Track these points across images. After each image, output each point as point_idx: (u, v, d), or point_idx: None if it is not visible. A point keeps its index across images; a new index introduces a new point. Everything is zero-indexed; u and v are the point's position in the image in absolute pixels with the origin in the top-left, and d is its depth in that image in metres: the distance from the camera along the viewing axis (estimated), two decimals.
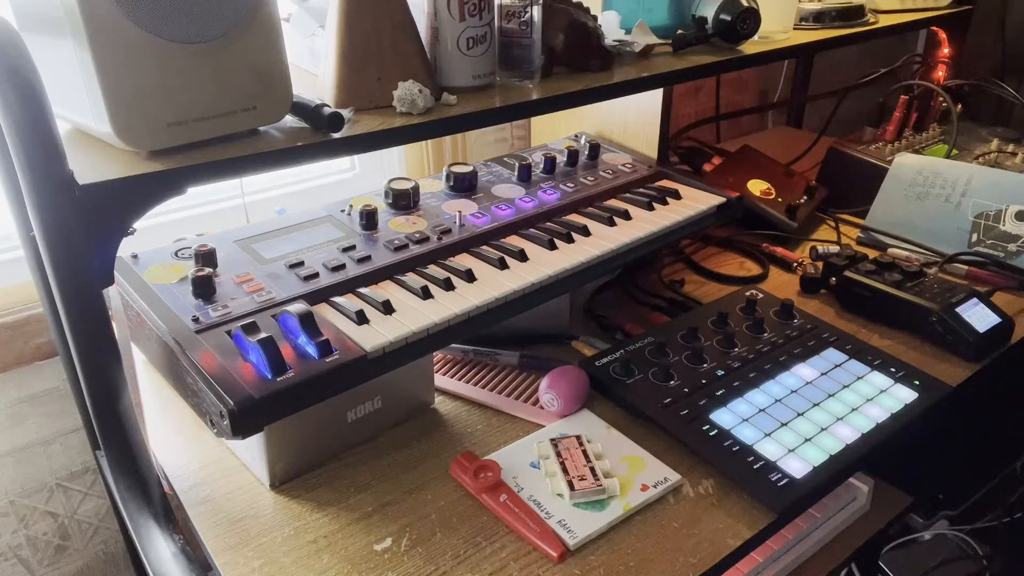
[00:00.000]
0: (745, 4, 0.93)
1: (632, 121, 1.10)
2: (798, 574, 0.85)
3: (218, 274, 0.73)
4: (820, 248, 1.09)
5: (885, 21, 1.23)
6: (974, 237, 1.09)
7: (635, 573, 0.60)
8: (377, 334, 0.67)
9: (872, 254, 1.10)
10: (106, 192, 0.53)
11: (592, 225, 0.89)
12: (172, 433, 0.76)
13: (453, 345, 0.87)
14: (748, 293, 0.94)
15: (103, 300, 0.55)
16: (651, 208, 0.94)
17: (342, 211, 0.86)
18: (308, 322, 0.64)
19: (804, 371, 0.76)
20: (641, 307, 1.00)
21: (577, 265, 0.81)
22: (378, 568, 0.60)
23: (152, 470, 0.63)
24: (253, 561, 0.61)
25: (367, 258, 0.77)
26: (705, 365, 0.77)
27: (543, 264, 0.80)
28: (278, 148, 0.61)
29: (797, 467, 0.65)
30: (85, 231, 0.52)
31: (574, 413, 0.77)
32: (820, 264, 1.03)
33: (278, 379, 0.60)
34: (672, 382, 0.76)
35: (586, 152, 1.06)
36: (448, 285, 0.75)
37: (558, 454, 0.70)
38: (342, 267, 0.75)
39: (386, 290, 0.74)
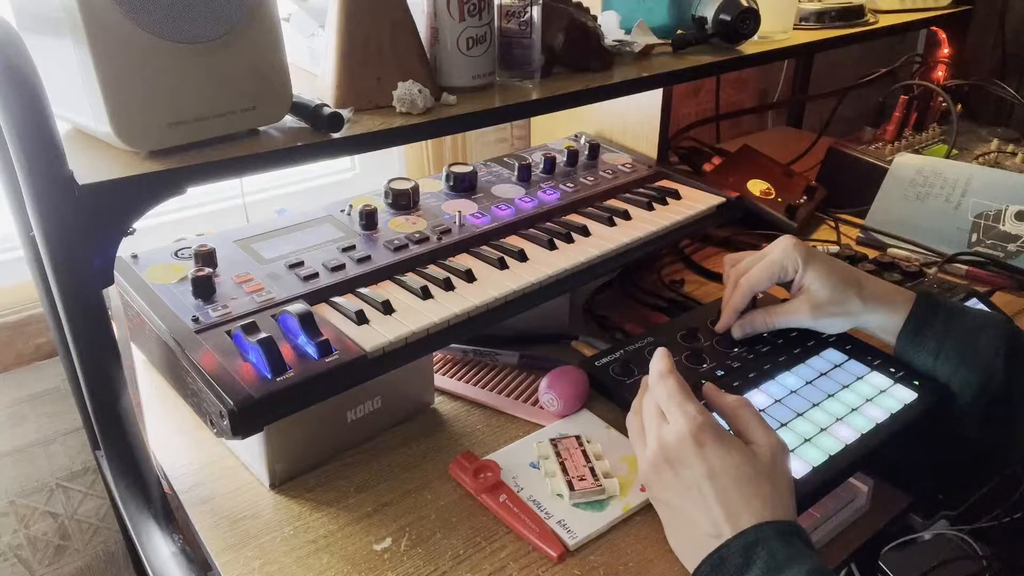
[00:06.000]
0: (745, 4, 0.93)
1: (632, 121, 1.10)
2: None
3: (218, 274, 0.73)
4: (820, 248, 1.09)
5: (885, 21, 1.23)
6: (974, 237, 1.09)
7: (635, 573, 0.61)
8: (377, 334, 0.67)
9: (872, 254, 1.10)
10: (106, 192, 0.53)
11: (592, 225, 0.89)
12: (172, 433, 0.76)
13: (453, 345, 0.87)
14: None
15: (103, 300, 0.55)
16: (651, 208, 0.94)
17: (342, 211, 0.86)
18: (308, 322, 0.64)
19: (803, 371, 0.76)
20: (641, 307, 1.00)
21: (577, 265, 0.81)
22: (378, 568, 0.60)
23: (152, 470, 0.63)
24: (253, 561, 0.61)
25: (367, 258, 0.77)
26: (704, 365, 0.77)
27: (543, 264, 0.80)
28: (278, 148, 0.61)
29: (796, 467, 0.65)
30: (85, 231, 0.52)
31: (574, 413, 0.77)
32: None
33: (278, 379, 0.60)
34: None
35: (586, 152, 1.06)
36: (448, 285, 0.75)
37: (558, 454, 0.70)
38: (342, 267, 0.75)
39: (386, 290, 0.74)
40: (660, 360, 0.62)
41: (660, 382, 0.61)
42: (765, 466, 0.56)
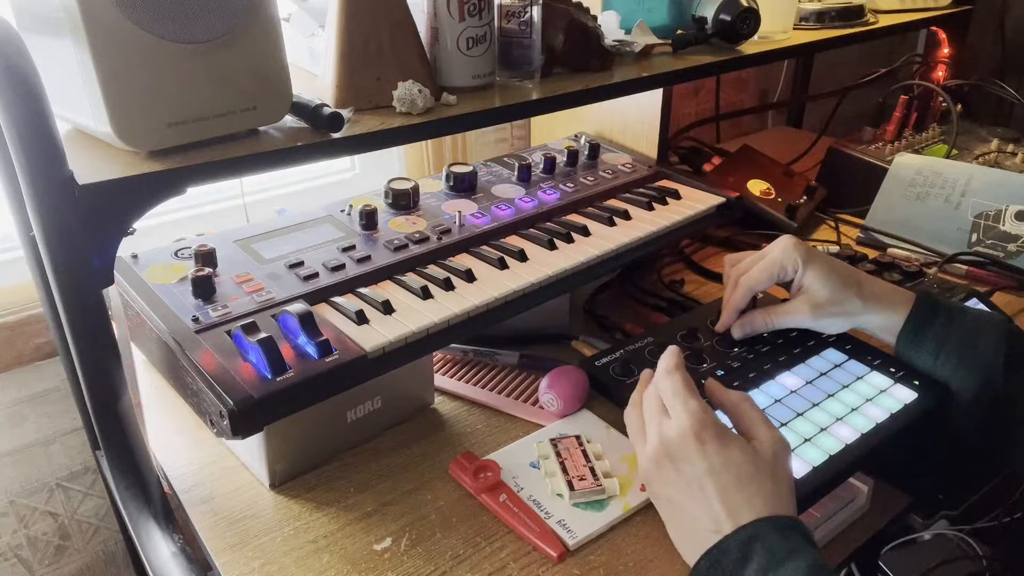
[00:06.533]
0: (745, 4, 0.93)
1: (632, 121, 1.10)
2: None
3: (218, 274, 0.73)
4: (820, 248, 1.09)
5: (885, 21, 1.23)
6: (974, 237, 1.09)
7: (635, 573, 0.61)
8: (377, 334, 0.67)
9: (872, 254, 1.10)
10: (106, 192, 0.53)
11: (592, 225, 0.89)
12: (172, 433, 0.76)
13: (453, 345, 0.87)
14: None
15: (103, 300, 0.55)
16: (651, 208, 0.94)
17: (342, 211, 0.86)
18: (308, 322, 0.64)
19: (804, 371, 0.76)
20: (641, 307, 1.00)
21: (577, 265, 0.81)
22: (378, 568, 0.60)
23: (152, 470, 0.63)
24: (253, 561, 0.61)
25: (367, 258, 0.77)
26: (704, 365, 0.77)
27: (543, 264, 0.80)
28: (278, 148, 0.61)
29: (797, 467, 0.65)
30: (85, 231, 0.52)
31: (574, 413, 0.77)
32: None
33: (278, 379, 0.60)
34: None
35: (586, 152, 1.06)
36: (448, 285, 0.75)
37: (558, 454, 0.70)
38: (342, 267, 0.75)
39: (386, 290, 0.74)
40: (670, 357, 0.62)
41: (667, 377, 0.60)
42: (767, 464, 0.56)
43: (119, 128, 0.54)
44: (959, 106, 1.34)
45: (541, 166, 1.01)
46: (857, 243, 1.17)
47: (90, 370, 0.56)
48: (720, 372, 0.76)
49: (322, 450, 0.71)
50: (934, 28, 1.44)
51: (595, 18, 0.89)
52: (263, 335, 0.61)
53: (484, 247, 0.83)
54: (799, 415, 0.70)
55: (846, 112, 1.52)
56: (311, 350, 0.63)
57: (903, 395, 0.73)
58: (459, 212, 0.86)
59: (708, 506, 0.54)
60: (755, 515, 0.53)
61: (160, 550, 0.61)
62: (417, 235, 0.82)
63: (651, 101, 1.05)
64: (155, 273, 0.73)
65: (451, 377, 0.84)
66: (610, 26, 0.91)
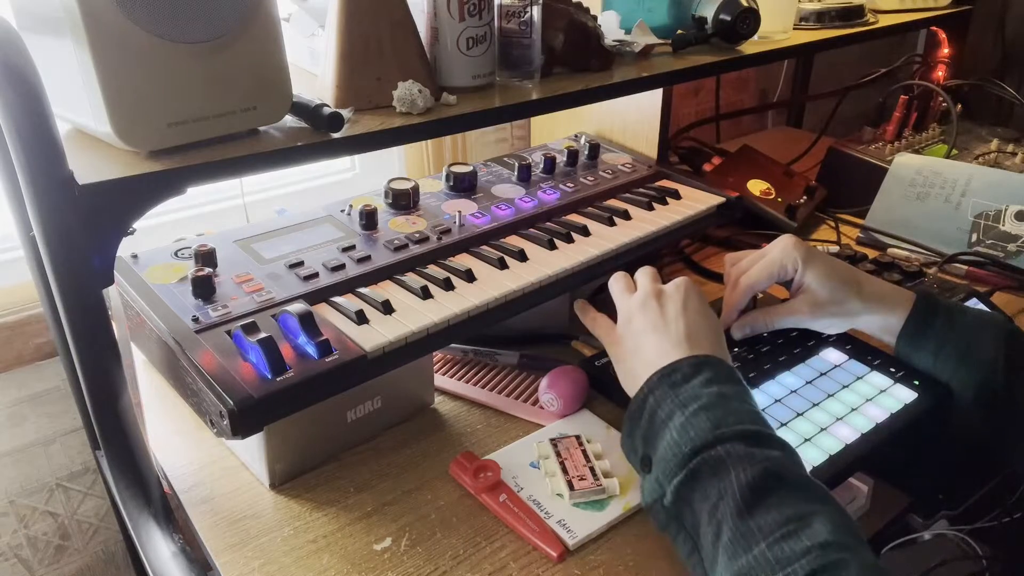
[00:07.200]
0: (745, 4, 0.93)
1: (632, 121, 1.10)
2: None
3: (218, 274, 0.73)
4: (820, 248, 1.09)
5: (885, 21, 1.23)
6: (974, 237, 1.09)
7: (635, 573, 0.61)
8: (377, 334, 0.67)
9: (872, 254, 1.10)
10: (106, 192, 0.53)
11: (592, 225, 0.89)
12: (172, 433, 0.76)
13: (453, 345, 0.87)
14: None
15: (103, 300, 0.55)
16: (651, 208, 0.94)
17: (342, 211, 0.86)
18: (308, 322, 0.64)
19: (803, 371, 0.76)
20: None
21: (577, 265, 0.81)
22: (378, 568, 0.60)
23: (152, 470, 0.63)
24: (253, 561, 0.61)
25: (367, 258, 0.77)
26: None
27: (543, 264, 0.80)
28: (278, 148, 0.61)
29: None
30: (85, 231, 0.52)
31: (574, 413, 0.77)
32: None
33: (278, 379, 0.60)
34: None
35: (586, 152, 1.06)
36: (448, 285, 0.75)
37: (558, 454, 0.70)
38: (342, 267, 0.75)
39: (386, 290, 0.74)
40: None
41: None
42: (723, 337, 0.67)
43: (119, 128, 0.55)
44: (959, 106, 1.34)
45: (541, 166, 1.01)
46: (857, 243, 1.17)
47: (90, 370, 0.56)
48: None
49: (322, 450, 0.71)
50: (934, 28, 1.44)
51: (595, 18, 0.89)
52: (263, 335, 0.61)
53: (484, 247, 0.83)
54: (799, 415, 0.70)
55: (846, 112, 1.52)
56: (311, 350, 0.63)
57: (903, 395, 0.73)
58: (459, 212, 0.86)
59: (676, 335, 0.64)
60: (711, 352, 0.63)
61: (160, 550, 0.61)
62: (417, 235, 0.82)
63: (651, 101, 1.05)
64: (155, 273, 0.73)
65: (451, 377, 0.84)
66: (610, 26, 0.91)
